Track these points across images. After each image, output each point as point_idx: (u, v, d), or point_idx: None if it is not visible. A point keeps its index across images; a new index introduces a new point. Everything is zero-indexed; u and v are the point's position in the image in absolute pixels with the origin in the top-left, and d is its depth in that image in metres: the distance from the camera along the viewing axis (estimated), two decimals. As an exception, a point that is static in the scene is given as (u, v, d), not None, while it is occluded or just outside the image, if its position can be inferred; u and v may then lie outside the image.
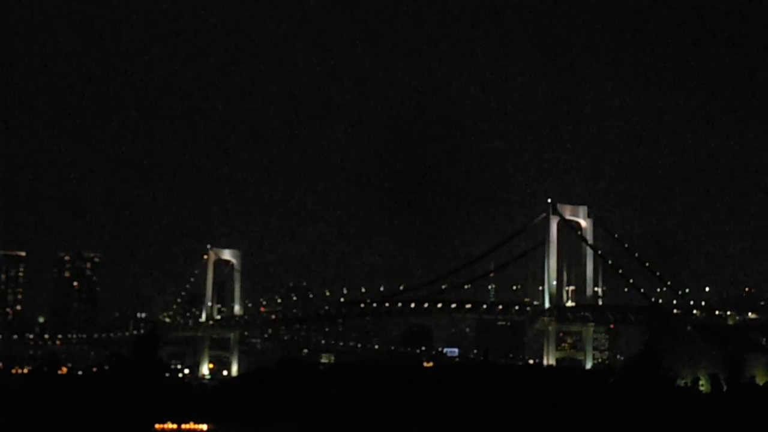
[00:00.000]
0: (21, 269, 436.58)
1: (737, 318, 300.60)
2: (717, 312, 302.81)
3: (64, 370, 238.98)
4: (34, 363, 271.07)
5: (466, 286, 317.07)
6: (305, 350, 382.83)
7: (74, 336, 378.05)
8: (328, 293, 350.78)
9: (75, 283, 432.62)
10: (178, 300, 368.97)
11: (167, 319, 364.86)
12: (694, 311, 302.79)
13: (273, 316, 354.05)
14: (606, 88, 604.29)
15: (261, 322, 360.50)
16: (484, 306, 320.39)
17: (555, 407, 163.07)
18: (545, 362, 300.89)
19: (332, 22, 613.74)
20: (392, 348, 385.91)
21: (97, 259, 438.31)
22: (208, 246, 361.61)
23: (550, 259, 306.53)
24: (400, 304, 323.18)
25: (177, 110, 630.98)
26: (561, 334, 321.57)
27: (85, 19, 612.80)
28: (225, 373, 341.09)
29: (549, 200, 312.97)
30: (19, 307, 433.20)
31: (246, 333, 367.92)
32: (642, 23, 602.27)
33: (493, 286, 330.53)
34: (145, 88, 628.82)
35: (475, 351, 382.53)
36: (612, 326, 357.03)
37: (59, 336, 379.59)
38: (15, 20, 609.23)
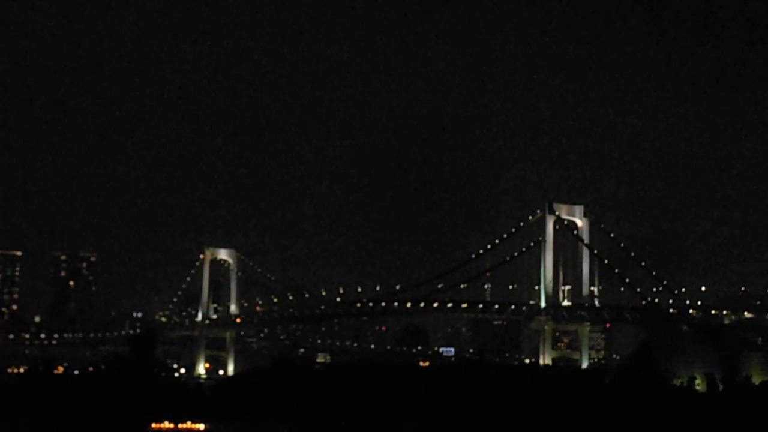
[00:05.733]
0: (17, 269, 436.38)
1: (733, 317, 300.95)
2: (713, 311, 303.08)
3: (60, 369, 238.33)
4: (30, 362, 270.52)
5: (462, 286, 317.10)
6: (301, 350, 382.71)
7: (70, 335, 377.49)
8: (324, 293, 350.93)
9: (71, 283, 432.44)
10: (174, 299, 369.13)
11: (163, 319, 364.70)
12: (690, 311, 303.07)
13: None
14: (603, 88, 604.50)
15: (257, 322, 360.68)
16: (480, 305, 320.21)
17: (551, 407, 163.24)
18: (541, 362, 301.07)
19: (332, 24, 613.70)
20: (388, 347, 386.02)
21: (93, 259, 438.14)
22: (204, 246, 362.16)
23: (546, 258, 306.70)
24: (396, 304, 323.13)
25: (174, 110, 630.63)
26: (557, 334, 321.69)
27: (82, 18, 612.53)
28: (221, 372, 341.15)
29: (545, 199, 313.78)
30: (14, 307, 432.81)
31: (242, 332, 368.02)
32: (642, 23, 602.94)
33: (489, 285, 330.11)
34: (142, 88, 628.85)
35: (471, 350, 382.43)
36: (608, 326, 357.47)
37: (55, 335, 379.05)
38: (12, 18, 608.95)
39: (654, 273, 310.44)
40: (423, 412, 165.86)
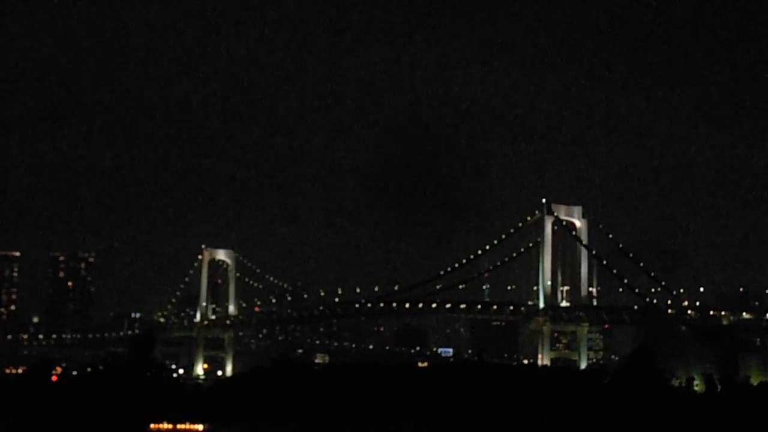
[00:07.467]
0: (15, 269, 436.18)
1: (731, 318, 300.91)
2: (711, 312, 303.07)
3: (59, 370, 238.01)
4: (29, 363, 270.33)
5: (460, 286, 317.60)
6: (300, 350, 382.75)
7: (69, 336, 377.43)
8: (322, 293, 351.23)
9: (69, 283, 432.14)
10: (173, 300, 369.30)
11: (162, 319, 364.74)
12: (689, 311, 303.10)
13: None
14: (602, 89, 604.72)
15: (255, 322, 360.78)
16: (479, 306, 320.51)
17: (549, 407, 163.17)
18: (540, 362, 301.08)
19: (332, 22, 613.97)
20: (387, 348, 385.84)
21: (91, 259, 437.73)
22: (203, 246, 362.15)
23: (545, 259, 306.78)
24: (394, 305, 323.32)
25: (172, 110, 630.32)
26: (555, 335, 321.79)
27: (83, 19, 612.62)
28: (219, 373, 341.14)
29: (543, 200, 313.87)
30: (13, 307, 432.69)
31: (240, 333, 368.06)
32: (639, 24, 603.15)
33: (488, 286, 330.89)
34: (140, 88, 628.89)
35: (469, 351, 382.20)
36: (606, 326, 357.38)
37: (53, 336, 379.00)
38: (12, 19, 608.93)
39: (652, 273, 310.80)
40: (421, 412, 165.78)
